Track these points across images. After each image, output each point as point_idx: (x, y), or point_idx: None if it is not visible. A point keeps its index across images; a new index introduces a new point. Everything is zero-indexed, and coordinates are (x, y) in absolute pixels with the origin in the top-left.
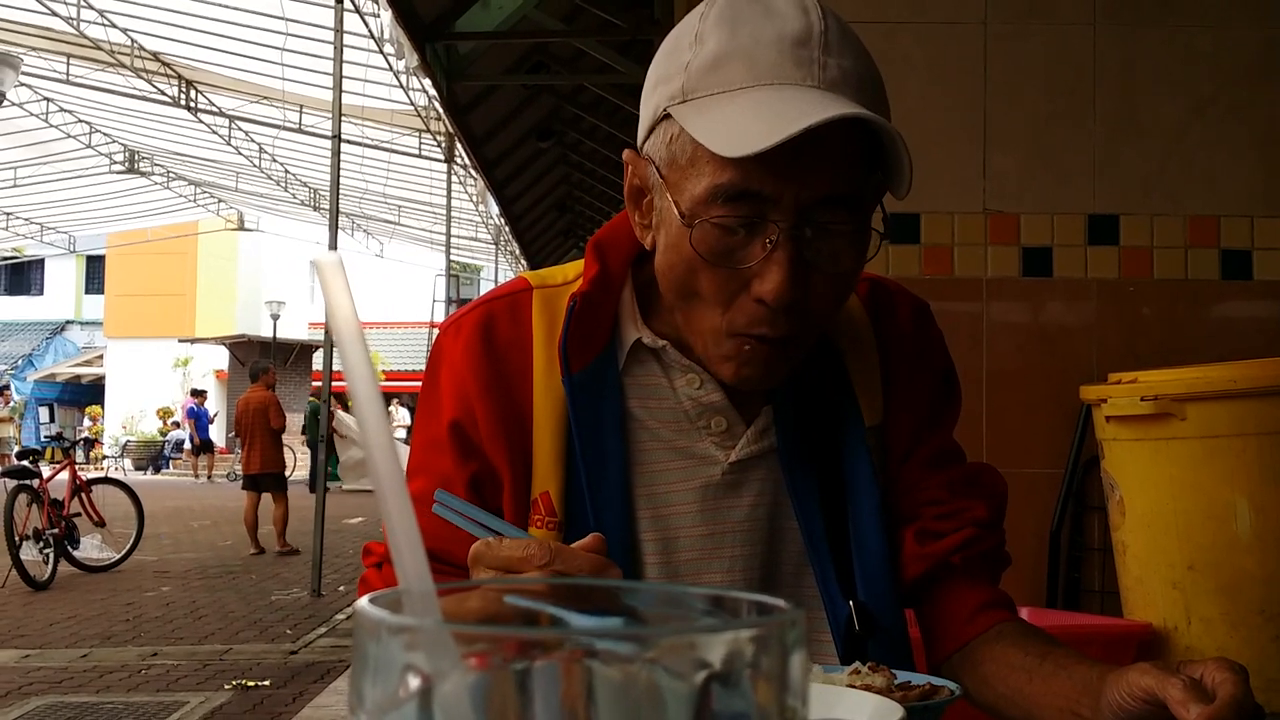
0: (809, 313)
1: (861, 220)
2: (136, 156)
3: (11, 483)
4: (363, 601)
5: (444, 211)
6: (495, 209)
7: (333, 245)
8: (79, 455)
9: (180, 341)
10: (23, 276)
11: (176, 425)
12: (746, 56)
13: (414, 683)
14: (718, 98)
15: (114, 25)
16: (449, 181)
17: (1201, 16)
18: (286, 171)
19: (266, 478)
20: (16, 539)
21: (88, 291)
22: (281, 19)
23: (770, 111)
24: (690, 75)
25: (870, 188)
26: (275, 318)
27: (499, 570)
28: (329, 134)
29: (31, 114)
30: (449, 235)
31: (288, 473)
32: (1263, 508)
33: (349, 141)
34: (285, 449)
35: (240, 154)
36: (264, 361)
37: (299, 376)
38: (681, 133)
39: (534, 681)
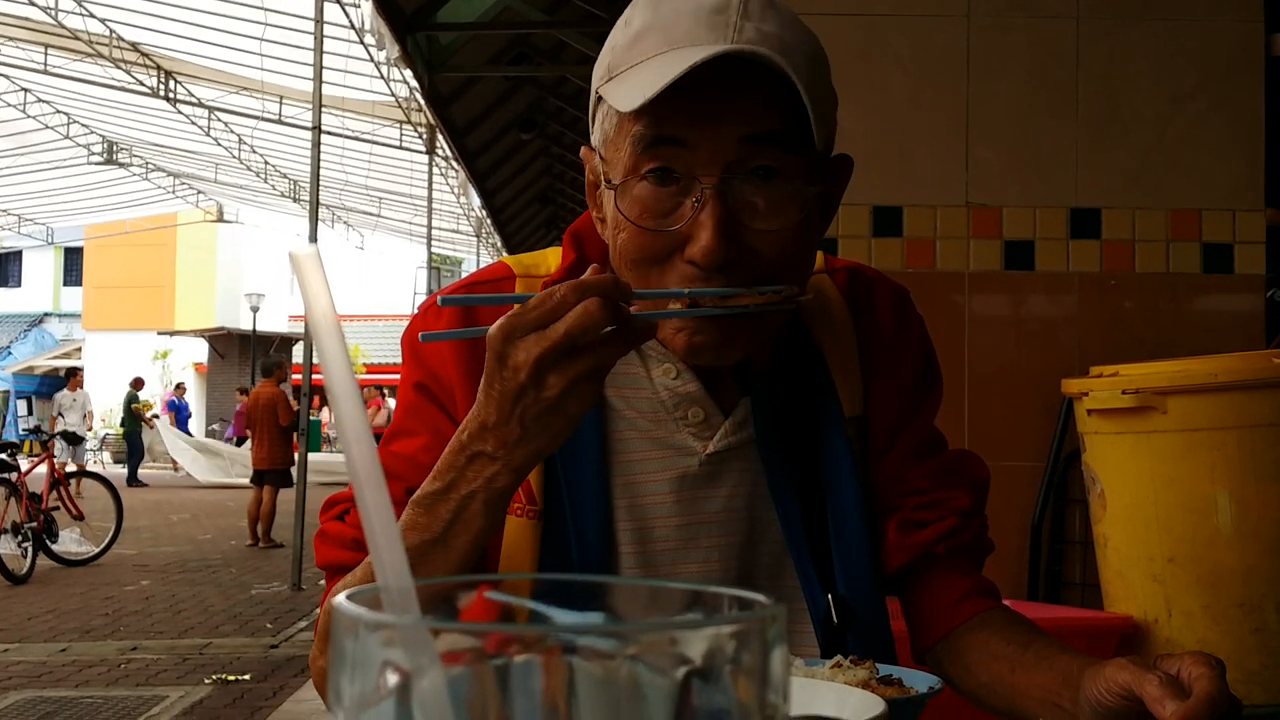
0: (748, 274)
1: (795, 172)
2: (115, 147)
3: None
4: (340, 598)
5: (425, 203)
6: (477, 201)
7: (313, 237)
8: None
9: (159, 334)
10: (0, 268)
11: (156, 418)
12: (664, 27)
13: (392, 679)
14: (635, 68)
15: (92, 15)
16: (430, 173)
17: (1184, 10)
18: (266, 163)
19: (271, 473)
20: None
21: (66, 283)
22: (261, 9)
23: (672, 64)
24: (615, 53)
25: (804, 139)
26: (255, 310)
27: (540, 327)
28: (309, 125)
29: (9, 104)
30: (430, 227)
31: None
32: (1243, 501)
33: (329, 133)
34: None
35: (219, 145)
36: (276, 357)
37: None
38: (609, 109)
39: (514, 677)
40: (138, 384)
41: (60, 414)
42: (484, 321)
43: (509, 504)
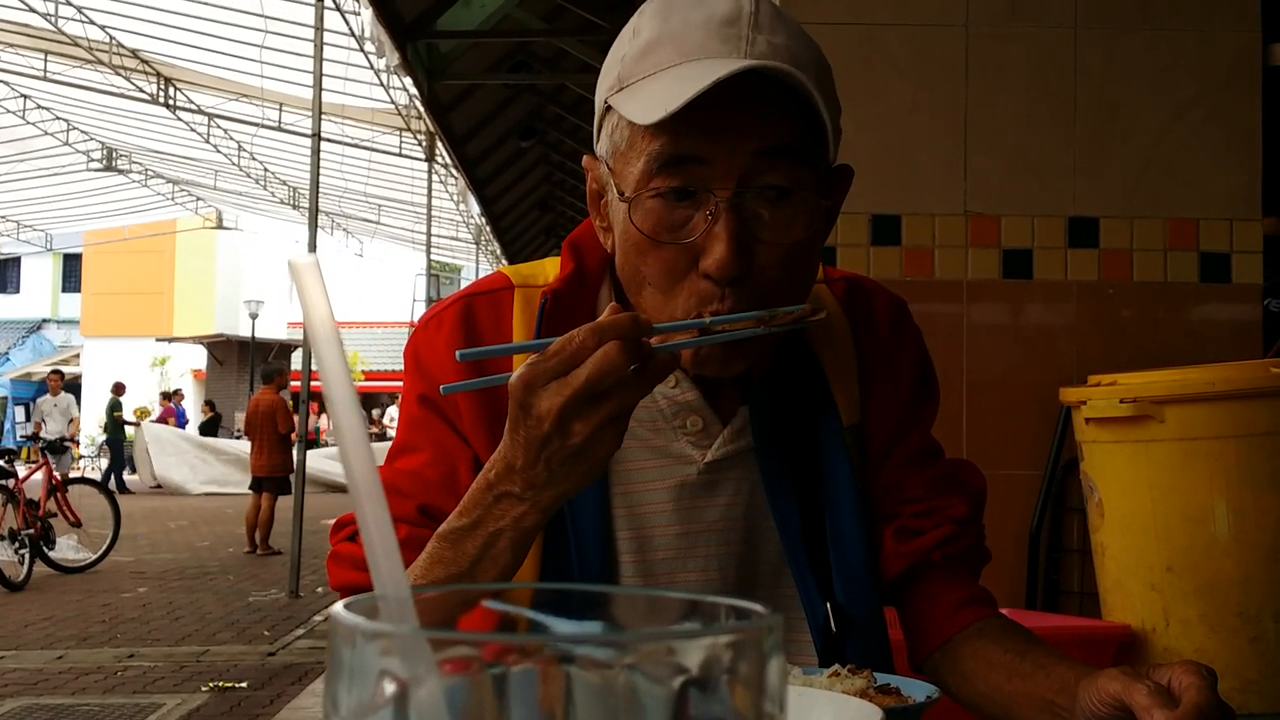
0: (761, 287)
1: (808, 185)
2: (114, 154)
3: None
4: (338, 607)
5: (424, 210)
6: (476, 208)
7: (312, 244)
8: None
9: (158, 341)
10: None
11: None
12: (675, 39)
13: (390, 688)
14: (647, 80)
15: (92, 22)
16: (429, 180)
17: (1182, 20)
18: (266, 170)
19: (270, 480)
20: None
21: (64, 290)
22: (261, 16)
23: (689, 79)
24: (625, 64)
25: (815, 152)
26: (254, 317)
27: (560, 375)
28: (309, 132)
29: (8, 110)
30: (429, 234)
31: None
32: (1241, 510)
33: (329, 140)
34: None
35: (219, 152)
36: (276, 364)
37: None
38: (620, 120)
39: (511, 687)
40: (119, 389)
41: (44, 420)
42: (482, 333)
43: (534, 540)
